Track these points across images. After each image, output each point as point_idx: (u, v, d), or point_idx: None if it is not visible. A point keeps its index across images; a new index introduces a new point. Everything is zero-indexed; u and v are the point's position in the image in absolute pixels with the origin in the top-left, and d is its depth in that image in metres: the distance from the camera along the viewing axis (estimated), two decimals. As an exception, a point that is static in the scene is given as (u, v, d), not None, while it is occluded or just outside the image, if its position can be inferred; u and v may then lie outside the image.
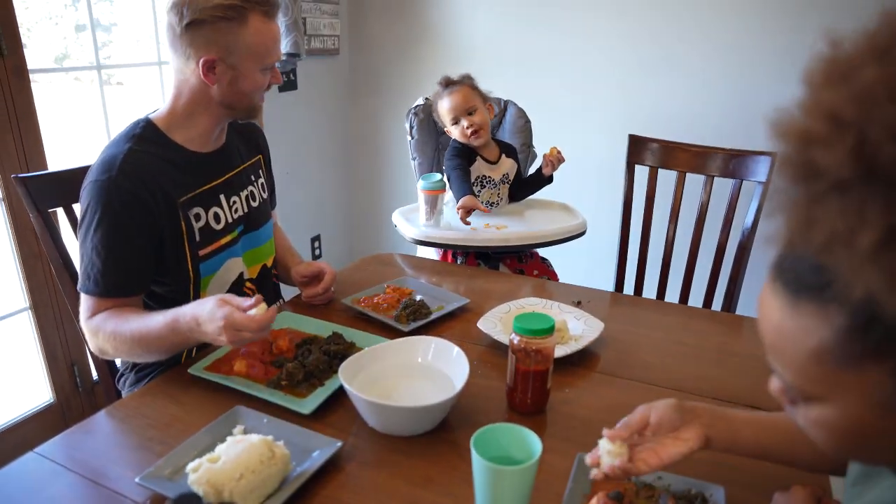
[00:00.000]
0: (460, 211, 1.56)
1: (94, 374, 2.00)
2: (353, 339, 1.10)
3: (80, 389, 2.02)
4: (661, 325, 1.26)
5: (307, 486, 0.77)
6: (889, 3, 0.40)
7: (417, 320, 1.19)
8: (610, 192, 2.51)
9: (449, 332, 1.18)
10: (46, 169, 1.80)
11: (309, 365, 0.99)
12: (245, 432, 0.85)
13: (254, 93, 1.12)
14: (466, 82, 1.72)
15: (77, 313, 1.10)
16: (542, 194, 1.86)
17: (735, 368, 1.09)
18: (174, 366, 1.07)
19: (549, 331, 0.90)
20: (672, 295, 1.80)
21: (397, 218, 1.72)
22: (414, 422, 0.87)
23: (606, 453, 0.69)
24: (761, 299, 0.46)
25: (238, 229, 1.23)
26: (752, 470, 0.80)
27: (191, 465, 0.74)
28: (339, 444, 0.82)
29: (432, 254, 1.80)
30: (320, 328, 1.14)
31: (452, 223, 1.65)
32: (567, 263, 2.17)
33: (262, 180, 1.32)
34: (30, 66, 1.74)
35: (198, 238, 1.14)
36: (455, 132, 1.72)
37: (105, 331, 1.03)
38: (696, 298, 1.76)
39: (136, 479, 0.75)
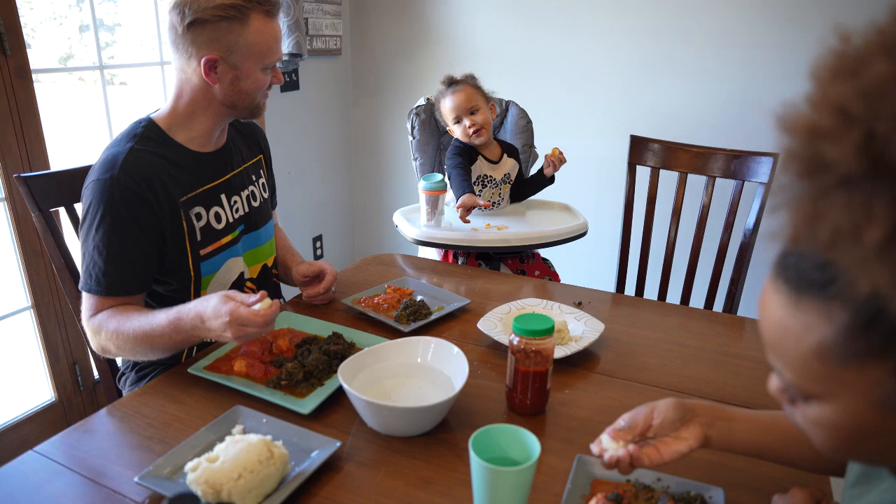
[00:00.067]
0: (460, 209, 1.56)
1: (96, 374, 2.00)
2: (353, 340, 1.10)
3: (81, 388, 2.02)
4: (661, 327, 1.25)
5: (306, 486, 0.77)
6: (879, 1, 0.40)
7: (418, 321, 1.19)
8: (611, 193, 2.52)
9: (449, 332, 1.18)
10: (49, 168, 1.80)
11: (308, 365, 0.99)
12: (244, 432, 0.85)
13: (255, 92, 1.12)
14: (469, 82, 1.72)
15: (78, 312, 1.11)
16: (544, 195, 1.86)
17: (736, 370, 1.08)
18: (174, 365, 1.07)
19: (549, 331, 0.90)
20: (673, 296, 1.80)
21: (398, 218, 1.72)
22: (413, 422, 0.87)
23: (612, 449, 0.69)
24: (762, 296, 0.46)
25: (239, 229, 1.23)
26: (752, 471, 0.80)
27: (189, 465, 0.74)
28: (338, 444, 0.82)
29: (433, 254, 1.80)
30: (320, 328, 1.14)
31: (453, 223, 1.65)
32: (568, 264, 2.17)
33: (262, 180, 1.32)
34: (34, 65, 1.75)
35: (199, 237, 1.14)
36: (457, 131, 1.72)
37: (107, 329, 1.03)
38: (697, 299, 1.76)
39: (135, 479, 0.75)
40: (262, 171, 1.33)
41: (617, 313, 1.32)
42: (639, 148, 1.80)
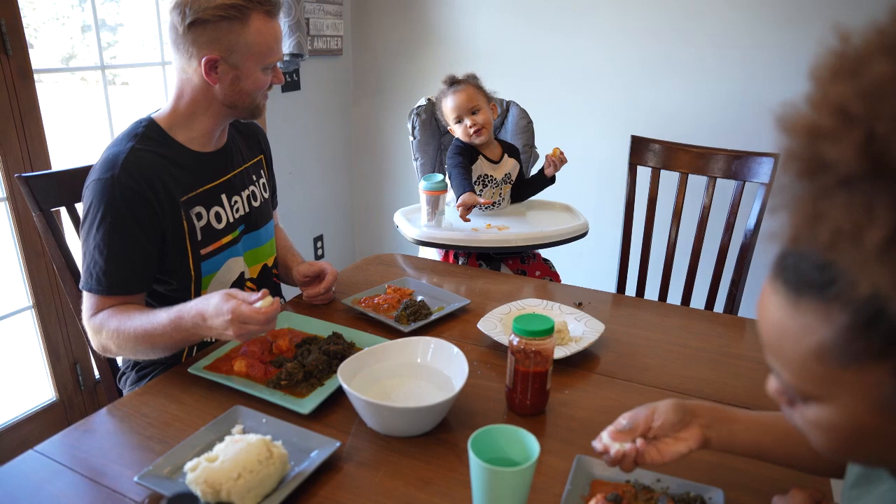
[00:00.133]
0: (460, 208, 1.56)
1: (96, 373, 2.00)
2: (353, 340, 1.10)
3: (82, 388, 2.02)
4: (662, 327, 1.25)
5: (305, 486, 0.77)
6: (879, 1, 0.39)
7: (418, 321, 1.19)
8: (611, 193, 2.51)
9: (449, 332, 1.18)
10: (50, 168, 1.80)
11: (308, 365, 0.99)
12: (244, 432, 0.85)
13: (255, 92, 1.13)
14: (471, 82, 1.72)
15: (79, 312, 1.11)
16: (544, 195, 1.85)
17: (736, 371, 1.08)
18: (174, 365, 1.07)
19: (549, 332, 0.90)
20: (674, 296, 1.80)
21: (399, 219, 1.72)
22: (412, 422, 0.87)
23: (618, 444, 0.70)
24: (761, 298, 0.46)
25: (239, 229, 1.23)
26: (752, 472, 0.80)
27: (189, 465, 0.74)
28: (338, 444, 0.82)
29: (434, 254, 1.80)
30: (321, 328, 1.14)
31: (454, 224, 1.65)
32: (569, 265, 2.17)
33: (263, 180, 1.32)
34: (36, 65, 1.75)
35: (199, 237, 1.15)
36: (458, 131, 1.72)
37: (108, 328, 1.03)
38: (698, 300, 1.76)
39: (135, 478, 0.75)
40: (262, 172, 1.33)
41: (617, 314, 1.32)
42: (639, 148, 1.80)
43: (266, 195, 1.32)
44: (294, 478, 0.76)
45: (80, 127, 2.72)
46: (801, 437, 0.50)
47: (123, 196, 1.04)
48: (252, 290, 1.27)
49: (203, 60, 1.05)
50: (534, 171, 1.90)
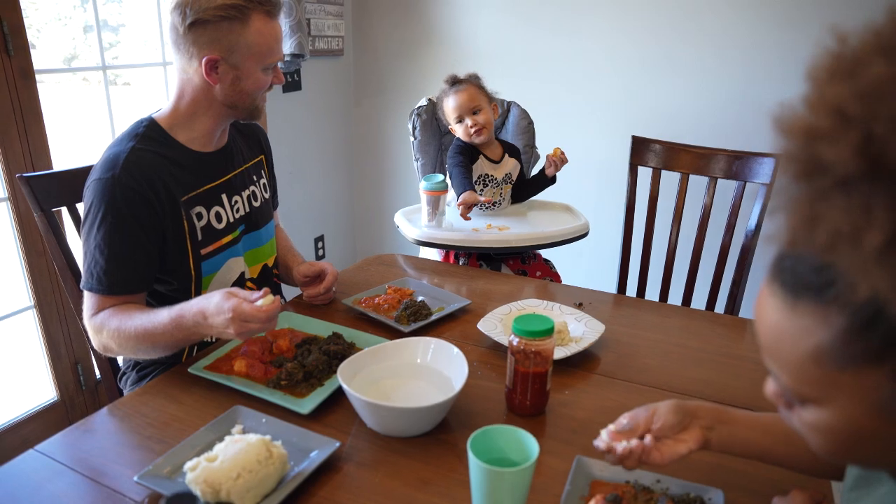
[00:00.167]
0: (461, 207, 1.56)
1: (98, 373, 2.01)
2: (353, 340, 1.10)
3: (83, 388, 2.03)
4: (662, 328, 1.25)
5: (304, 487, 0.77)
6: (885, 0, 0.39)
7: (418, 321, 1.19)
8: (611, 194, 2.51)
9: (449, 333, 1.18)
10: (52, 169, 1.81)
11: (308, 365, 0.99)
12: (244, 432, 0.85)
13: (256, 92, 1.13)
14: (473, 81, 1.72)
15: (80, 312, 1.11)
16: (545, 195, 1.85)
17: (737, 371, 1.08)
18: (175, 365, 1.07)
19: (549, 332, 0.90)
20: (675, 297, 1.80)
21: (399, 219, 1.72)
22: (412, 423, 0.87)
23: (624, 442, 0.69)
24: (759, 300, 0.46)
25: (240, 229, 1.23)
26: (752, 473, 0.80)
27: (189, 464, 0.74)
28: (337, 444, 0.82)
29: (434, 255, 1.80)
30: (321, 328, 1.14)
31: (455, 224, 1.65)
32: (569, 265, 2.17)
33: (263, 181, 1.33)
34: (38, 66, 1.75)
35: (200, 237, 1.15)
36: (459, 130, 1.72)
37: (109, 328, 1.03)
38: (699, 301, 1.75)
39: (135, 478, 0.75)
40: (263, 172, 1.33)
41: (618, 314, 1.32)
42: (640, 149, 1.80)
43: (266, 195, 1.32)
44: (293, 478, 0.76)
45: (82, 127, 2.73)
46: (801, 439, 0.50)
47: (124, 196, 1.04)
48: (252, 289, 1.27)
49: (203, 60, 1.06)
50: (534, 171, 1.90)
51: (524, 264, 1.77)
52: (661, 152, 1.77)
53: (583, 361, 1.09)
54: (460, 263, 1.73)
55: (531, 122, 1.94)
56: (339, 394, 0.95)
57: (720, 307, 1.73)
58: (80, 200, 1.22)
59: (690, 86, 2.32)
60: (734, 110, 2.26)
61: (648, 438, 0.68)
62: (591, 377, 1.05)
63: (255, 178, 1.29)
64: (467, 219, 1.56)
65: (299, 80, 2.66)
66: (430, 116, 1.93)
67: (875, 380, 0.40)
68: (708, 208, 1.71)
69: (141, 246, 1.07)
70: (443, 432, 0.89)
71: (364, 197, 3.19)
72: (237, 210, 1.22)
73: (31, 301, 1.84)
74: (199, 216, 1.15)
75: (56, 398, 1.96)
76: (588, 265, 2.65)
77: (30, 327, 1.88)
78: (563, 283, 1.78)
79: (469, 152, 1.72)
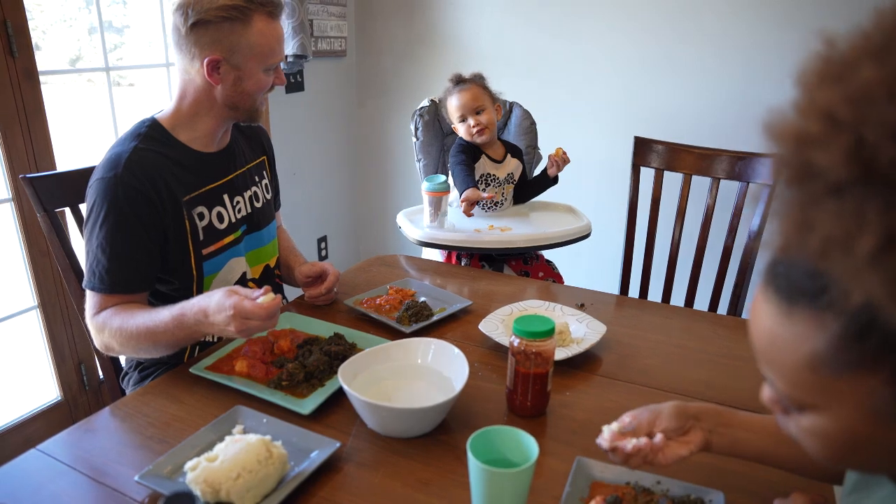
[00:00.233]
0: (463, 203, 1.56)
1: (101, 373, 2.01)
2: (355, 340, 1.10)
3: (86, 388, 2.03)
4: (664, 329, 1.25)
5: (304, 487, 0.77)
6: (881, 1, 0.39)
7: (419, 322, 1.19)
8: (611, 194, 2.51)
9: (451, 333, 1.18)
10: (55, 169, 1.82)
11: (309, 365, 0.99)
12: (244, 432, 0.85)
13: (257, 93, 1.13)
14: (477, 81, 1.72)
15: (83, 311, 1.11)
16: (547, 196, 1.85)
17: (739, 373, 1.08)
18: (177, 365, 1.07)
19: (549, 333, 0.90)
20: (677, 298, 1.79)
21: (402, 220, 1.72)
22: (412, 423, 0.87)
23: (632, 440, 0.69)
24: (754, 306, 0.45)
25: (241, 229, 1.23)
26: (753, 476, 0.80)
27: (189, 464, 0.74)
28: (338, 444, 0.82)
29: (437, 255, 1.80)
30: (322, 329, 1.15)
31: (457, 225, 1.65)
32: (569, 265, 2.16)
33: (266, 181, 1.33)
34: (44, 67, 1.76)
35: (201, 237, 1.15)
36: (461, 130, 1.73)
37: (111, 327, 1.04)
38: (701, 302, 1.75)
39: (135, 478, 0.75)
40: (265, 173, 1.34)
41: (620, 315, 1.32)
42: (643, 149, 1.79)
43: (268, 196, 1.33)
44: (293, 478, 0.76)
45: (87, 128, 2.74)
46: None
47: (126, 195, 1.04)
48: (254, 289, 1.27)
49: (205, 61, 1.06)
50: (537, 171, 1.90)
51: (526, 265, 1.77)
52: (664, 153, 1.77)
53: (584, 362, 1.09)
54: (462, 264, 1.73)
55: (533, 123, 1.94)
56: (339, 394, 0.95)
57: (723, 308, 1.72)
58: (83, 201, 1.22)
59: (690, 86, 2.31)
60: (734, 110, 2.25)
61: (659, 437, 0.68)
62: (592, 378, 1.05)
63: (257, 178, 1.30)
64: (470, 215, 1.56)
65: (302, 81, 2.67)
66: (433, 117, 1.93)
67: (870, 385, 0.40)
68: (711, 209, 1.70)
69: (143, 245, 1.07)
70: (443, 433, 0.89)
71: (367, 198, 3.20)
72: (239, 210, 1.23)
73: (34, 301, 1.85)
74: (201, 216, 1.15)
75: (59, 398, 1.97)
76: (588, 265, 2.65)
77: (33, 327, 1.89)
78: (565, 283, 1.78)
79: (471, 151, 1.72)
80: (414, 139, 1.94)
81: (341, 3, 2.74)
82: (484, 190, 1.74)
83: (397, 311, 1.22)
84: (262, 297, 0.93)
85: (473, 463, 0.67)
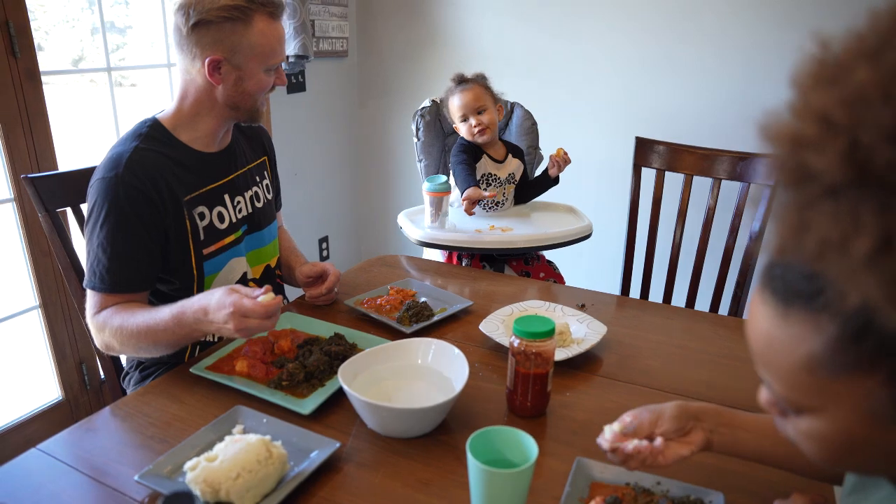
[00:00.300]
0: (465, 202, 1.56)
1: (102, 373, 2.02)
2: (355, 341, 1.10)
3: (88, 388, 2.04)
4: (665, 329, 1.25)
5: (304, 487, 0.77)
6: (876, 2, 0.39)
7: (420, 322, 1.19)
8: (612, 194, 2.51)
9: (451, 334, 1.18)
10: (57, 169, 1.82)
11: (310, 365, 1.00)
12: (244, 432, 0.85)
13: (258, 93, 1.13)
14: (479, 81, 1.72)
15: (83, 311, 1.11)
16: (548, 196, 1.85)
17: (740, 373, 1.08)
18: (177, 365, 1.08)
19: (549, 333, 0.90)
20: (678, 299, 1.79)
21: (402, 220, 1.72)
22: (412, 423, 0.87)
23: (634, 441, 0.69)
24: (750, 308, 0.46)
25: (242, 229, 1.23)
26: (753, 476, 0.80)
27: (189, 464, 0.74)
28: (338, 444, 0.82)
29: (438, 256, 1.80)
30: (323, 329, 1.15)
31: (458, 225, 1.65)
32: (569, 265, 2.16)
33: (266, 182, 1.33)
34: (46, 67, 1.77)
35: (202, 237, 1.15)
36: (462, 129, 1.73)
37: (111, 326, 1.04)
38: (702, 302, 1.75)
39: (135, 477, 0.75)
40: (266, 173, 1.34)
41: (620, 316, 1.31)
42: (644, 150, 1.79)
43: (269, 196, 1.33)
44: (293, 478, 0.76)
45: (88, 128, 2.74)
46: None
47: (127, 195, 1.04)
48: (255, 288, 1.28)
49: (206, 61, 1.06)
50: (538, 171, 1.90)
51: (527, 265, 1.77)
52: (665, 153, 1.77)
53: (584, 363, 1.09)
54: (463, 264, 1.73)
55: (535, 123, 1.94)
56: (339, 394, 0.95)
57: (724, 309, 1.72)
58: (84, 201, 1.23)
59: (690, 86, 2.31)
60: (734, 110, 2.25)
61: (659, 441, 0.68)
62: (592, 379, 1.05)
63: (258, 179, 1.30)
64: (471, 214, 1.56)
65: (303, 82, 2.67)
66: (434, 118, 1.93)
67: (867, 387, 0.40)
68: (712, 209, 1.70)
69: (143, 245, 1.07)
70: (443, 433, 0.89)
71: (368, 198, 3.20)
72: (240, 210, 1.23)
73: (36, 301, 1.85)
74: (202, 216, 1.15)
75: (61, 398, 1.97)
76: (588, 265, 2.64)
77: (35, 327, 1.89)
78: (566, 284, 1.78)
79: (472, 151, 1.72)
80: (415, 139, 1.94)
81: (343, 4, 2.75)
82: (485, 190, 1.74)
83: (398, 312, 1.22)
84: (263, 297, 0.93)
85: (473, 463, 0.67)
